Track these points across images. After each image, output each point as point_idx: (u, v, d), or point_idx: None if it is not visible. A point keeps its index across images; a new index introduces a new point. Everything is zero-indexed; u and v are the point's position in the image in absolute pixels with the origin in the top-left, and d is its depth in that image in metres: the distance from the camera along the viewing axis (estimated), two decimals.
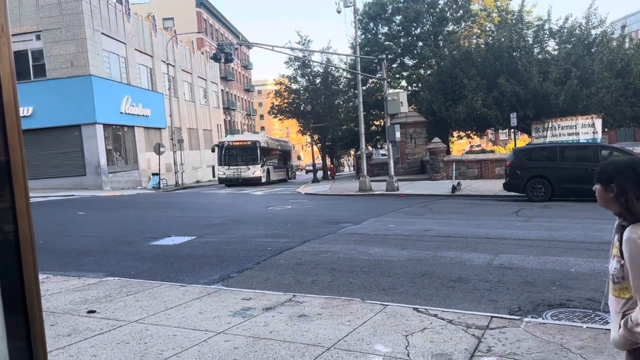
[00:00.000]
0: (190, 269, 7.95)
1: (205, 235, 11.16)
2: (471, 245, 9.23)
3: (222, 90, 62.43)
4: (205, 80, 53.10)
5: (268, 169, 36.30)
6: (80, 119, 29.50)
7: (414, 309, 5.33)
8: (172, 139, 36.63)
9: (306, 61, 40.70)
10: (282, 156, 44.55)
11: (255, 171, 33.34)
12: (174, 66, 43.06)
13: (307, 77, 43.27)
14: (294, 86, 44.37)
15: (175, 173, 35.72)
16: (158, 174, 32.52)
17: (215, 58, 20.83)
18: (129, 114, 33.62)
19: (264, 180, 34.54)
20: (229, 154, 34.19)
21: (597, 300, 5.69)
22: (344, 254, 8.69)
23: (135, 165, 35.02)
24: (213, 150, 35.18)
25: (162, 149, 32.62)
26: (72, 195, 24.99)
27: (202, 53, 53.69)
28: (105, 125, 31.00)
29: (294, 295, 5.96)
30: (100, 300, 5.98)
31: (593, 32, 27.07)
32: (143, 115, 35.68)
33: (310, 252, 8.96)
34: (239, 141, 35.52)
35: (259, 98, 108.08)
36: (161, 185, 32.21)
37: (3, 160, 1.08)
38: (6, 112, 1.06)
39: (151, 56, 39.12)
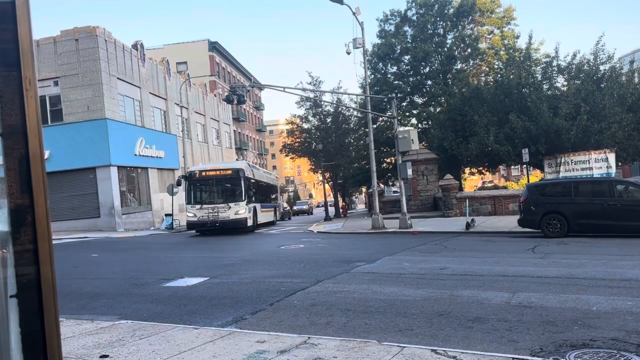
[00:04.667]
0: (204, 311, 7.86)
1: (218, 276, 11.10)
2: (488, 283, 9.06)
3: (234, 130, 63.33)
4: (218, 121, 53.95)
5: (254, 208, 26.97)
6: (95, 162, 29.98)
7: (432, 350, 5.20)
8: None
9: (317, 101, 41.31)
10: (268, 191, 35.96)
11: (239, 210, 23.78)
12: (187, 108, 43.91)
13: (318, 117, 43.85)
14: (306, 125, 44.91)
15: None
16: (171, 215, 32.68)
17: (228, 100, 21.25)
18: (143, 155, 34.11)
19: (250, 222, 25.52)
20: (201, 189, 25.24)
21: (621, 340, 5.52)
22: (358, 294, 8.57)
23: (148, 206, 35.26)
24: (179, 184, 26.37)
25: (175, 190, 32.91)
26: (86, 237, 25.12)
27: (215, 95, 54.76)
28: (120, 167, 31.43)
29: (309, 338, 5.85)
30: (113, 345, 5.92)
31: (602, 67, 27.22)
32: (157, 156, 36.18)
33: (324, 292, 8.85)
34: (215, 170, 25.06)
35: (270, 138, 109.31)
36: (174, 226, 32.30)
37: (28, 206, 1.09)
38: (32, 163, 1.09)
39: (165, 99, 39.95)
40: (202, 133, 48.91)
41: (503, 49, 38.88)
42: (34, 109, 1.11)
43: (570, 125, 24.35)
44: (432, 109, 39.56)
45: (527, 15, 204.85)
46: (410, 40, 39.80)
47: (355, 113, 42.26)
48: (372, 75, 39.62)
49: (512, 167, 51.49)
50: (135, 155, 33.30)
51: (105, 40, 31.22)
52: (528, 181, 24.80)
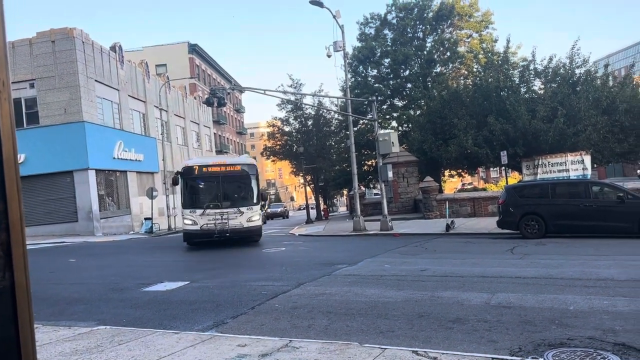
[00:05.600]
0: (184, 315, 7.79)
1: (198, 280, 11.00)
2: (468, 284, 9.15)
3: (214, 133, 62.95)
4: (198, 124, 53.59)
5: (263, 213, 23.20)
6: (72, 165, 29.51)
7: (413, 351, 5.23)
8: (164, 183, 36.62)
9: (298, 104, 41.31)
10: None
11: (253, 216, 19.05)
12: (166, 111, 43.52)
13: (299, 119, 43.83)
14: (287, 128, 44.87)
15: (168, 217, 35.51)
16: (150, 219, 32.32)
17: (208, 103, 21.08)
18: (121, 159, 33.69)
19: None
20: (202, 189, 19.74)
21: (598, 339, 5.62)
22: (340, 296, 8.58)
23: (127, 210, 34.82)
24: (175, 183, 19.39)
25: (154, 193, 32.54)
26: (64, 242, 24.69)
27: (195, 98, 54.40)
28: (98, 171, 30.99)
29: (290, 341, 5.84)
30: (92, 351, 5.82)
31: (577, 71, 27.75)
32: (136, 160, 35.76)
33: (306, 295, 8.84)
34: (220, 165, 19.67)
35: (251, 140, 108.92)
36: (154, 230, 31.95)
37: (1, 212, 1.07)
38: (5, 167, 1.07)
39: (144, 102, 39.54)
40: (182, 136, 48.52)
41: (482, 52, 39.38)
42: (7, 111, 1.09)
43: (548, 128, 24.76)
44: (412, 111, 39.84)
45: (505, 19, 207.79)
46: (390, 44, 40.06)
47: (336, 116, 42.35)
48: (353, 78, 39.78)
49: (491, 169, 52.15)
50: (114, 158, 32.87)
51: (83, 42, 30.79)
52: (506, 183, 25.13)
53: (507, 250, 14.05)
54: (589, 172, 25.06)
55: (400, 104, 41.89)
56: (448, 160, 29.28)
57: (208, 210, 18.54)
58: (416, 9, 39.62)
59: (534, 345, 5.55)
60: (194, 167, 19.42)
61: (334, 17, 24.45)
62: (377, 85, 40.34)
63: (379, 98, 38.09)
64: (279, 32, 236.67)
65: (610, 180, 29.36)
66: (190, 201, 19.21)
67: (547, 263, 11.35)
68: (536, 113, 25.29)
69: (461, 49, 40.51)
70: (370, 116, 30.17)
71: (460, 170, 34.17)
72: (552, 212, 16.57)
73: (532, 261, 11.82)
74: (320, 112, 42.34)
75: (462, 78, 39.13)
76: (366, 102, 32.08)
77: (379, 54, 40.09)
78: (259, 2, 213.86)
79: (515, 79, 29.01)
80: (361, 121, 37.85)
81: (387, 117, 41.53)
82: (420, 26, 40.16)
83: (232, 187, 19.79)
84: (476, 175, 61.37)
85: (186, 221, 18.85)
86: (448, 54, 39.69)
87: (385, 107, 41.35)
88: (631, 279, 9.00)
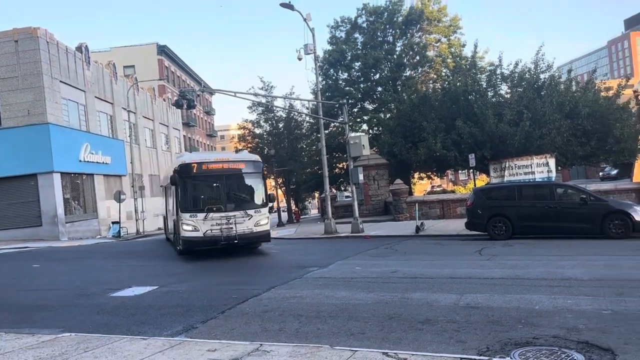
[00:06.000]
0: (153, 321, 7.66)
1: (167, 285, 10.84)
2: (437, 285, 9.27)
3: (184, 136, 62.18)
4: (167, 126, 52.84)
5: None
6: (36, 168, 28.69)
7: (384, 353, 5.27)
8: (133, 186, 35.95)
9: (269, 106, 41.17)
10: None
11: (261, 220, 16.78)
12: (135, 113, 42.77)
13: (270, 122, 43.67)
14: (258, 130, 44.64)
15: (137, 221, 34.87)
16: (118, 223, 31.68)
17: (177, 105, 20.78)
18: (88, 161, 32.93)
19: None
20: (202, 189, 16.86)
21: (562, 337, 5.76)
22: (311, 299, 8.57)
23: (94, 214, 34.05)
24: (174, 183, 16.66)
25: (122, 197, 31.91)
26: (27, 247, 23.97)
27: (164, 100, 53.64)
28: (63, 174, 30.20)
29: (261, 345, 5.80)
30: (56, 358, 5.67)
31: (542, 76, 28.45)
32: (103, 162, 35.01)
33: (277, 298, 8.80)
34: (222, 162, 17.07)
35: (221, 143, 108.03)
36: (122, 234, 31.32)
37: None
38: None
39: (112, 103, 38.77)
40: (151, 138, 47.76)
41: (450, 57, 40.01)
42: None
43: (514, 131, 25.30)
44: (382, 115, 40.18)
45: (473, 24, 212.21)
46: (360, 47, 40.33)
47: (307, 119, 42.39)
48: (324, 82, 39.89)
49: (460, 171, 52.96)
50: (80, 161, 32.09)
51: (47, 42, 30.00)
52: (475, 185, 25.56)
53: (475, 252, 14.28)
54: (553, 174, 25.71)
55: (370, 107, 42.20)
56: (417, 163, 29.61)
57: (212, 214, 15.82)
58: (386, 13, 40.00)
59: (501, 344, 5.65)
60: (192, 165, 16.40)
61: (305, 20, 24.47)
62: (348, 88, 40.54)
63: (350, 101, 38.28)
64: (250, 34, 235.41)
65: (574, 182, 30.18)
66: (189, 204, 16.15)
67: (513, 264, 11.59)
68: (503, 117, 25.82)
69: (430, 53, 41.07)
70: (341, 119, 30.32)
71: (430, 173, 34.60)
72: (518, 214, 16.93)
73: (499, 262, 12.05)
74: (292, 114, 42.29)
75: (431, 82, 39.67)
76: (337, 105, 32.21)
77: (349, 58, 40.32)
78: (230, 4, 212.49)
79: (482, 83, 29.56)
80: (332, 124, 38.01)
81: (358, 120, 41.79)
82: (390, 30, 40.56)
83: (237, 186, 17.11)
84: (445, 177, 62.28)
85: (185, 227, 15.86)
86: (417, 58, 40.19)
87: (356, 110, 41.60)
88: (594, 279, 9.27)
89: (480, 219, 17.59)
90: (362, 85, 40.66)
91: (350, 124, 33.57)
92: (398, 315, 7.16)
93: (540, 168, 25.54)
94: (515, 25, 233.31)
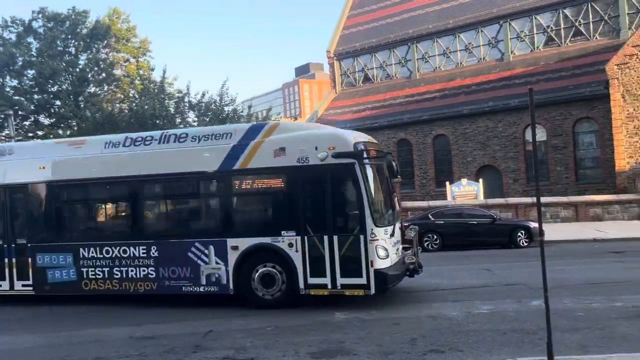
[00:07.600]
0: None
1: None
2: (105, 319, 8.73)
3: None
4: None
5: None
6: None
7: None
8: None
9: None
10: None
11: None
12: None
13: None
14: None
15: None
16: None
17: None
18: None
19: None
20: (378, 189, 9.50)
21: (231, 357, 6.10)
22: None
23: None
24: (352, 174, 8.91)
25: None
26: None
27: None
28: None
29: None
30: None
31: (226, 108, 30.57)
32: None
33: None
34: (378, 146, 10.84)
35: None
36: None
37: None
38: None
39: None
40: None
41: (138, 78, 39.23)
42: None
43: None
44: (61, 131, 36.45)
45: (163, 50, 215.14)
46: (35, 54, 35.95)
47: None
48: None
49: None
50: None
51: None
52: None
53: None
54: None
55: (47, 121, 37.85)
56: None
57: (389, 229, 9.38)
58: (68, 22, 36.80)
59: None
60: (363, 144, 9.24)
61: None
62: (17, 97, 35.45)
63: (20, 113, 33.72)
64: None
65: None
66: (373, 208, 8.89)
67: None
68: None
69: (118, 71, 39.49)
70: (7, 132, 26.26)
71: None
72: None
73: None
74: None
75: (118, 102, 38.12)
76: (2, 116, 27.81)
77: (21, 63, 35.49)
78: None
79: (171, 109, 29.95)
80: None
81: (31, 135, 36.86)
82: (73, 41, 37.45)
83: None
84: None
85: (380, 252, 8.80)
86: (103, 74, 38.13)
87: (27, 123, 36.74)
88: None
89: None
90: (36, 97, 36.16)
91: (21, 138, 29.39)
92: (67, 358, 6.43)
93: None
94: (203, 58, 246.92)
